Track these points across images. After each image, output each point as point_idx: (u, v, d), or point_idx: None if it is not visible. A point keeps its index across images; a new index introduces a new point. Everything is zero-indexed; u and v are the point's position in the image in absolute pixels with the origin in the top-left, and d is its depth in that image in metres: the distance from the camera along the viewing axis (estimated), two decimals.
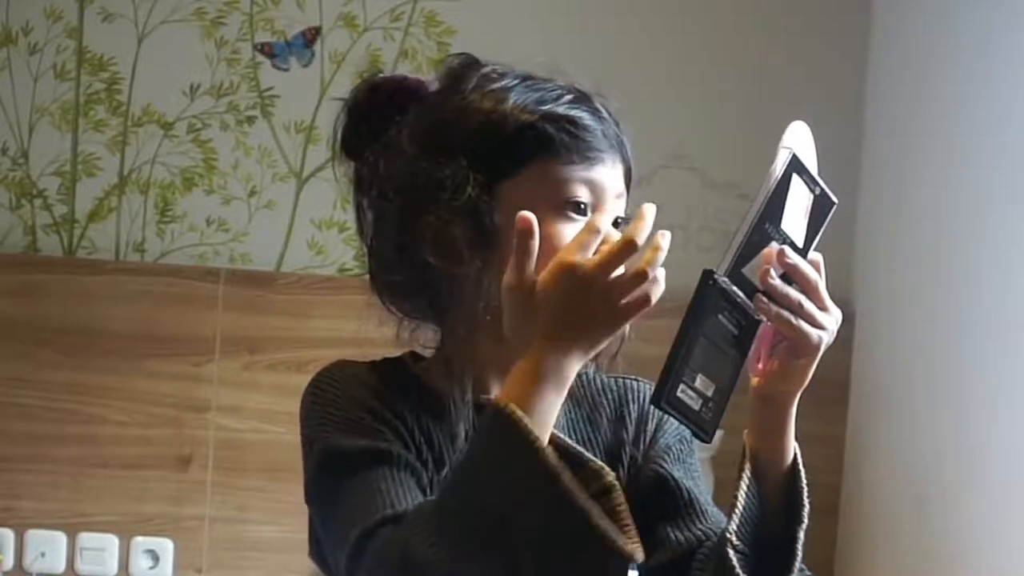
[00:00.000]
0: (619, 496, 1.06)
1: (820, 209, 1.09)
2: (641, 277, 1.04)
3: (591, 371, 1.26)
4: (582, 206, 1.15)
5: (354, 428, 1.14)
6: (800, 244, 1.07)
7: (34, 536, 2.50)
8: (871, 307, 2.46)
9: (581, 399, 1.26)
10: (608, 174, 1.17)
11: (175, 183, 2.59)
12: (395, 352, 1.24)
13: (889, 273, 2.44)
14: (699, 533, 1.19)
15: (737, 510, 1.11)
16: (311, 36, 2.60)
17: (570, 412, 1.24)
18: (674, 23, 2.63)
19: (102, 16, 2.58)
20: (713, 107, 2.61)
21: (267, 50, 2.60)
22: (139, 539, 2.51)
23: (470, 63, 1.21)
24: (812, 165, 1.09)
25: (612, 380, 1.29)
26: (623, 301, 1.05)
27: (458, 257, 1.16)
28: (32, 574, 2.49)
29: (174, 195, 2.59)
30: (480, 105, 1.17)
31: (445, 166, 1.16)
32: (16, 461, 2.49)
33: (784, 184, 1.05)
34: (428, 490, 1.13)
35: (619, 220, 1.18)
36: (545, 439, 1.04)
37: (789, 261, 1.05)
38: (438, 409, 1.17)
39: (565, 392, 1.06)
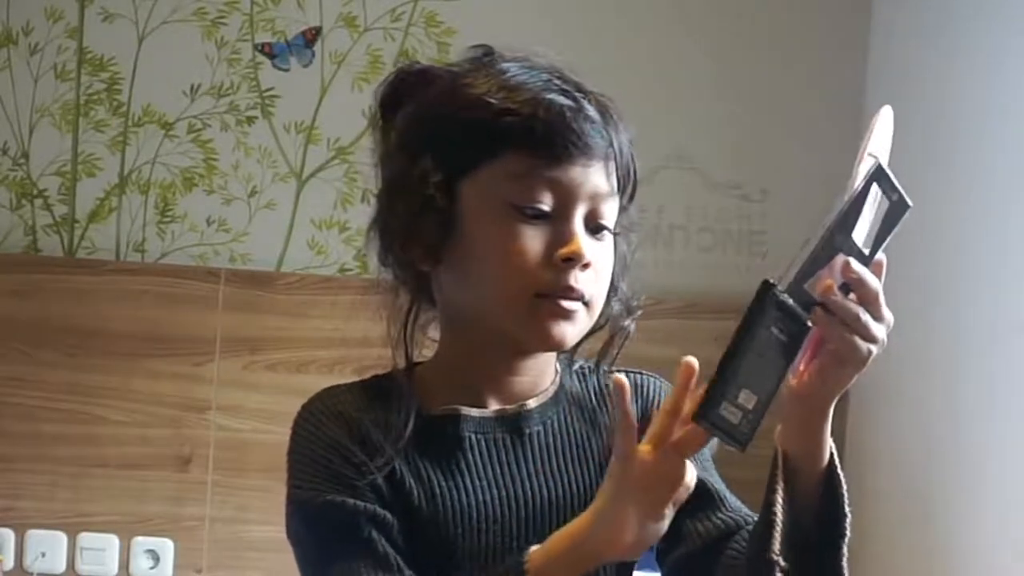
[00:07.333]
0: None
1: (893, 213, 1.04)
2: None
3: (591, 366, 1.22)
4: (540, 208, 1.09)
5: (321, 475, 1.15)
6: (867, 251, 1.03)
7: (34, 536, 2.50)
8: None
9: (584, 399, 1.21)
10: (580, 173, 1.09)
11: (175, 183, 2.59)
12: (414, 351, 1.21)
13: (888, 273, 2.44)
14: (719, 522, 1.16)
15: (777, 527, 1.04)
16: (311, 36, 2.60)
17: (566, 413, 1.19)
18: (674, 23, 2.63)
19: (102, 16, 2.57)
20: (713, 107, 2.61)
21: (267, 50, 2.60)
22: (139, 539, 2.50)
23: (481, 55, 1.16)
24: (886, 156, 1.04)
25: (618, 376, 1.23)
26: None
27: (422, 256, 1.13)
28: (32, 574, 2.49)
29: (174, 195, 2.59)
30: (453, 98, 1.12)
31: (414, 162, 1.12)
32: (16, 461, 2.49)
33: (863, 195, 1.00)
34: (396, 528, 1.12)
35: (603, 226, 1.12)
36: None
37: (854, 275, 1.01)
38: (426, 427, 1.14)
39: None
